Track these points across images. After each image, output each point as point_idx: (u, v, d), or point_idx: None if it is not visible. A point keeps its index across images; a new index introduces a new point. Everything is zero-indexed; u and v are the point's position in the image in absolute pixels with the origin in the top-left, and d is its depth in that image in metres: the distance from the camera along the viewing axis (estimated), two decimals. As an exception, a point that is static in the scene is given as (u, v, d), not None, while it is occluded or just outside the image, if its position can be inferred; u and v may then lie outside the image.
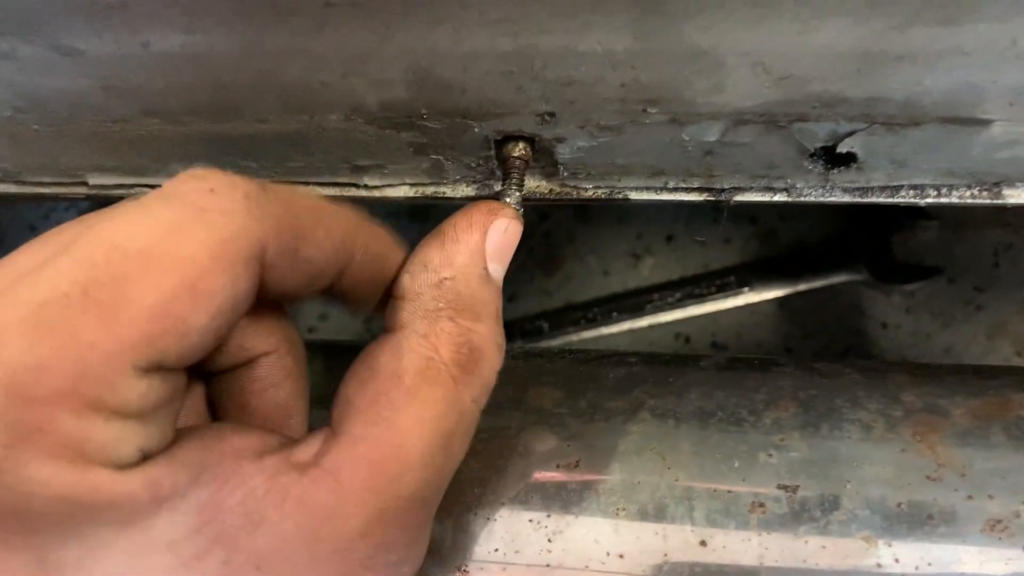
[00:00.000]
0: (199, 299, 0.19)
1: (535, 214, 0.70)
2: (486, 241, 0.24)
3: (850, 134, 0.25)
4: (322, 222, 0.23)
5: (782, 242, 0.68)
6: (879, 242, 0.65)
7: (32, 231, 0.78)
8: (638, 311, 0.66)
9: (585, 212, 0.70)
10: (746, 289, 0.66)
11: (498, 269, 0.25)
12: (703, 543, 0.27)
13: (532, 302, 0.69)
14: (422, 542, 0.24)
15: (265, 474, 0.21)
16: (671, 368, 0.31)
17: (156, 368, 0.19)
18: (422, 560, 0.24)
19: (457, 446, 0.23)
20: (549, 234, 0.70)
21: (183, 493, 0.20)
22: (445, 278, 0.24)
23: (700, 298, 0.66)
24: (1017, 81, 0.22)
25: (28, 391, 0.17)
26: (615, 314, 0.67)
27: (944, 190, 0.27)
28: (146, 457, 0.19)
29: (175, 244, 0.19)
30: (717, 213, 0.68)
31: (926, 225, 0.64)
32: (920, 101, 0.23)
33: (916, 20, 0.20)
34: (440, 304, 0.24)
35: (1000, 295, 0.65)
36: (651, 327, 0.66)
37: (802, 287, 0.66)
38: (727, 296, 0.66)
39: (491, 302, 0.25)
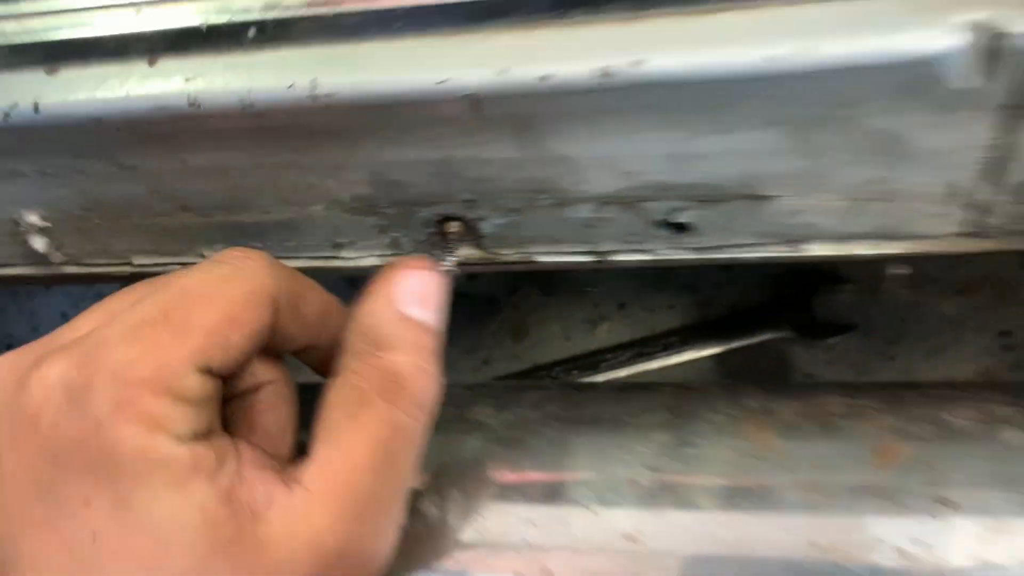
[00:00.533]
0: (237, 325, 0.29)
1: (506, 290, 0.80)
2: (400, 289, 0.32)
3: (681, 209, 0.35)
4: (313, 291, 0.32)
5: (719, 307, 0.78)
6: (802, 304, 0.75)
7: (63, 317, 0.88)
8: (594, 369, 0.76)
9: (549, 287, 0.80)
10: (688, 348, 0.75)
11: (420, 311, 0.32)
12: (595, 514, 0.36)
13: (503, 365, 0.79)
14: (386, 534, 0.31)
15: (264, 483, 0.29)
16: (577, 390, 0.40)
17: (207, 371, 0.28)
18: (391, 549, 0.31)
19: (399, 454, 0.30)
20: (517, 306, 0.80)
21: (212, 474, 0.28)
22: (367, 324, 0.31)
23: (648, 356, 0.76)
24: (786, 169, 0.32)
25: (126, 378, 0.27)
26: (575, 372, 0.76)
27: (760, 248, 0.36)
28: (194, 438, 0.28)
29: (223, 289, 0.29)
30: (662, 283, 0.79)
31: (842, 288, 0.74)
32: (722, 185, 0.33)
33: (698, 134, 0.31)
34: (365, 345, 0.31)
35: (909, 347, 0.75)
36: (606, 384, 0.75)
37: (736, 344, 0.75)
38: (671, 354, 0.75)
39: (409, 338, 0.31)
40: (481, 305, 0.80)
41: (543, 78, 0.29)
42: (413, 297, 0.32)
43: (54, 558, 0.27)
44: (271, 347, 0.32)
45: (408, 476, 0.31)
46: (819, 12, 0.27)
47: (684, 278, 0.79)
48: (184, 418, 0.28)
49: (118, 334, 0.28)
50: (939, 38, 0.26)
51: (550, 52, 0.29)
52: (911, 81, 0.28)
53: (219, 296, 0.29)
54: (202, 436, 0.28)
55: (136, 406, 0.27)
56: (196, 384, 0.28)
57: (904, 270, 0.38)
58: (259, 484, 0.29)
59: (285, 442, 0.33)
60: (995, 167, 0.31)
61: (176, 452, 0.27)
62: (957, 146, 0.30)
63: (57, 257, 0.43)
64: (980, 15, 0.26)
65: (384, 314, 0.31)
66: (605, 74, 0.28)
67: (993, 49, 0.26)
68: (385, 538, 0.31)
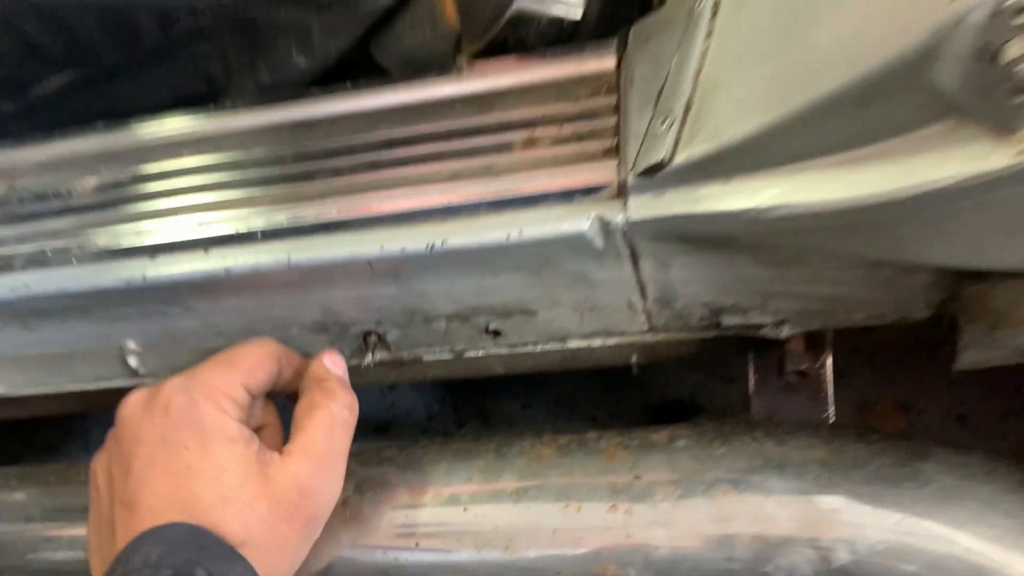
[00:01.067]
0: (261, 367, 0.57)
1: (455, 425, 1.06)
2: (325, 359, 0.58)
3: (491, 321, 0.62)
4: (297, 356, 0.61)
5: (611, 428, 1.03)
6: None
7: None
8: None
9: (488, 421, 1.06)
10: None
11: (335, 368, 0.57)
12: (449, 502, 0.61)
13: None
14: (335, 479, 0.54)
15: (271, 453, 0.55)
16: (453, 438, 0.66)
17: (247, 389, 0.56)
18: (337, 490, 0.54)
19: (337, 432, 0.53)
20: (465, 436, 1.06)
21: (248, 442, 0.54)
22: (312, 373, 0.57)
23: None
24: (536, 295, 0.60)
25: (209, 386, 0.55)
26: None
27: (544, 343, 0.64)
28: (240, 421, 0.55)
29: (253, 351, 0.58)
30: (570, 415, 1.04)
31: (698, 414, 0.99)
32: (507, 305, 0.61)
33: (483, 276, 0.59)
34: (312, 382, 0.56)
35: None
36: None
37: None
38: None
39: (333, 377, 0.56)
40: (436, 434, 1.06)
41: (402, 250, 0.58)
42: (331, 362, 0.61)
43: (164, 481, 0.53)
44: (276, 392, 0.60)
45: (344, 447, 0.54)
46: (526, 214, 0.56)
47: (586, 410, 1.05)
48: (236, 410, 0.55)
49: (206, 368, 0.56)
50: (582, 224, 0.55)
51: (404, 238, 0.58)
52: (577, 245, 0.56)
53: (251, 354, 0.58)
54: (244, 423, 0.56)
55: (214, 399, 0.55)
56: (241, 395, 0.56)
57: (635, 362, 0.65)
58: (269, 452, 0.55)
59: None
60: (642, 289, 0.59)
61: (232, 426, 0.55)
62: (618, 278, 0.58)
63: (143, 371, 0.71)
64: (599, 211, 0.55)
65: (319, 368, 0.59)
66: (429, 247, 0.57)
67: (604, 228, 0.55)
68: (334, 482, 0.54)
